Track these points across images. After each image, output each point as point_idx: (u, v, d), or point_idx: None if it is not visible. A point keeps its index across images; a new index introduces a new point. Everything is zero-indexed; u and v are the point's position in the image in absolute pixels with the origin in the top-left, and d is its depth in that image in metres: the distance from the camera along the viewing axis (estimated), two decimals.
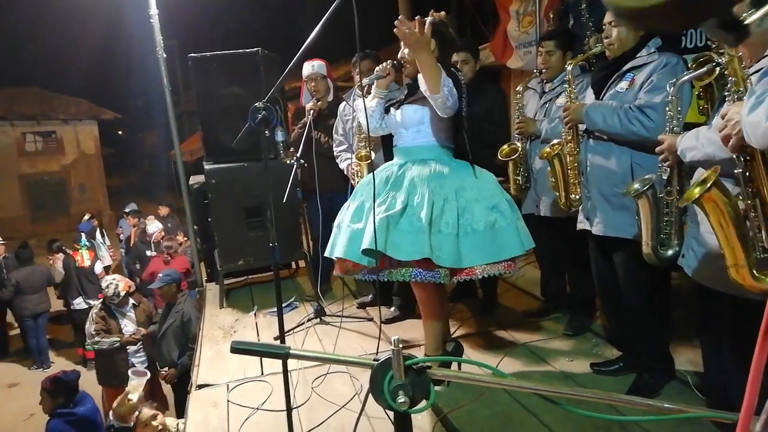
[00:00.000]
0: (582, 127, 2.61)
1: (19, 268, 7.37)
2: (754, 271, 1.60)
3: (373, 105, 2.64)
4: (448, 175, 2.44)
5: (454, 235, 2.33)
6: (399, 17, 2.28)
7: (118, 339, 4.76)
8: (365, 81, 2.65)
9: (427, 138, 2.53)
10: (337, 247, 2.53)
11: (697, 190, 1.64)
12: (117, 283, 4.86)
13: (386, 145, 2.79)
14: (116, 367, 4.77)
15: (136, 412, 2.92)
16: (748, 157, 1.53)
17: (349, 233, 2.47)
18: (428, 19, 2.35)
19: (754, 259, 1.60)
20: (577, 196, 2.75)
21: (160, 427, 2.91)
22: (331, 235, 2.65)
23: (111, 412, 2.69)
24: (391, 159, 2.72)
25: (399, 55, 2.57)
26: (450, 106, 2.37)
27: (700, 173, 1.84)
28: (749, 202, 1.57)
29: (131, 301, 5.01)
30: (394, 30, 2.27)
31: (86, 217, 9.09)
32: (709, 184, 1.61)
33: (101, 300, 5.06)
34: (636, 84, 2.40)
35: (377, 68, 2.59)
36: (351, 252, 2.44)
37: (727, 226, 1.61)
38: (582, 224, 2.70)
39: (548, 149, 2.85)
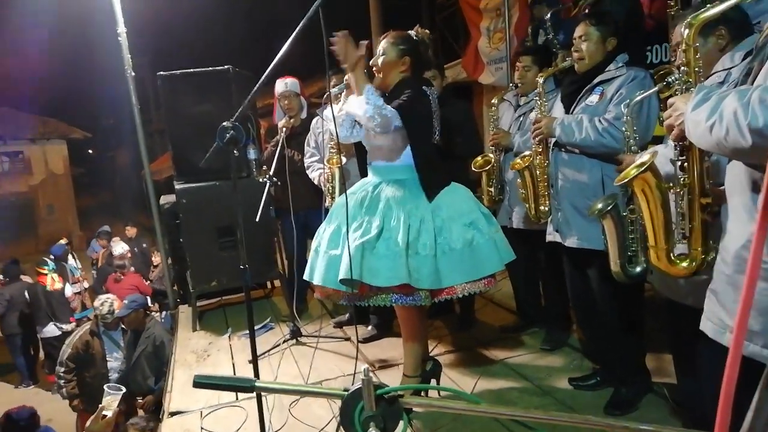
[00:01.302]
0: (552, 140, 2.63)
1: (10, 284, 7.18)
2: (672, 255, 1.71)
3: (343, 114, 2.55)
4: (423, 195, 2.41)
5: (432, 256, 2.29)
6: (340, 33, 2.23)
7: (73, 396, 4.55)
8: (334, 90, 2.60)
9: (400, 157, 2.47)
10: (315, 273, 2.48)
11: (633, 171, 1.72)
12: (112, 301, 4.65)
13: (359, 154, 2.74)
14: (94, 393, 4.49)
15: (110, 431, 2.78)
16: (685, 148, 1.57)
17: (326, 260, 2.42)
18: (364, 43, 2.33)
19: (673, 244, 1.71)
20: (547, 208, 2.76)
21: None
22: (309, 258, 2.60)
23: None
24: (364, 168, 2.67)
25: (371, 63, 2.51)
26: (376, 125, 2.28)
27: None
28: (678, 190, 1.62)
29: (121, 324, 4.76)
30: (332, 46, 2.24)
31: (62, 241, 8.79)
32: (645, 167, 1.69)
33: (91, 321, 4.83)
34: (606, 97, 2.44)
35: (347, 76, 2.52)
36: (329, 280, 2.39)
37: (655, 210, 1.71)
38: (551, 236, 2.71)
39: (519, 161, 2.87)
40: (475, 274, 2.37)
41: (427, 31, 2.56)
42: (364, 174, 2.69)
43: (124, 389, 2.78)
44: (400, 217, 2.33)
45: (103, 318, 4.60)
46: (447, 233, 2.34)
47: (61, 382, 4.54)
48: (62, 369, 4.53)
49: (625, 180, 1.73)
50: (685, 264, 1.66)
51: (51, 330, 6.78)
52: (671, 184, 1.67)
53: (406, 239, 2.28)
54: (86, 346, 4.56)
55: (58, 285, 6.89)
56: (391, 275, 2.26)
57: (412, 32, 2.51)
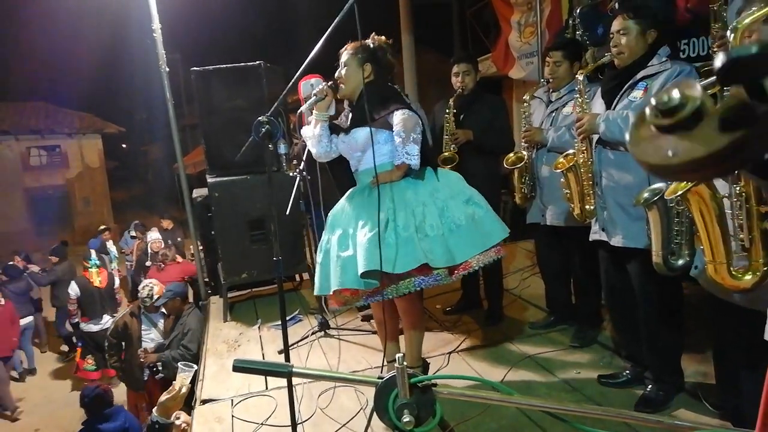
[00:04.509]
0: (595, 137, 2.58)
1: (60, 263, 7.80)
2: (732, 269, 1.63)
3: (318, 130, 2.59)
4: (419, 182, 2.49)
5: (440, 236, 2.39)
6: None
7: (116, 368, 4.94)
8: (304, 107, 2.66)
9: (387, 155, 2.50)
10: (331, 281, 2.49)
11: (684, 184, 1.65)
12: (152, 286, 4.85)
13: (333, 169, 2.83)
14: (129, 370, 4.82)
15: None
16: None
17: (340, 264, 2.45)
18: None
19: (733, 256, 1.62)
20: (592, 207, 2.69)
21: (184, 425, 2.86)
22: (316, 274, 2.61)
23: (156, 407, 2.62)
24: (340, 181, 2.75)
25: (336, 75, 2.57)
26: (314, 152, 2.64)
27: None
28: (735, 200, 1.56)
29: (162, 309, 4.93)
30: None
31: (101, 227, 9.07)
32: None
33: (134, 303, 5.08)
34: (651, 93, 2.37)
35: (315, 90, 2.56)
36: (348, 280, 2.42)
37: (711, 223, 1.64)
38: (597, 235, 2.64)
39: (562, 160, 2.75)
40: (484, 245, 2.48)
41: (383, 37, 2.60)
42: (342, 188, 2.72)
43: (195, 367, 2.87)
44: (402, 206, 2.41)
45: (143, 301, 4.82)
46: (450, 212, 2.45)
47: (107, 355, 4.91)
48: (107, 343, 4.87)
49: (678, 193, 1.67)
50: (748, 277, 1.58)
51: (106, 320, 6.70)
52: (726, 195, 1.61)
53: (414, 224, 2.37)
54: (125, 326, 4.79)
55: (98, 282, 6.77)
56: (408, 260, 2.33)
57: (368, 41, 2.56)
